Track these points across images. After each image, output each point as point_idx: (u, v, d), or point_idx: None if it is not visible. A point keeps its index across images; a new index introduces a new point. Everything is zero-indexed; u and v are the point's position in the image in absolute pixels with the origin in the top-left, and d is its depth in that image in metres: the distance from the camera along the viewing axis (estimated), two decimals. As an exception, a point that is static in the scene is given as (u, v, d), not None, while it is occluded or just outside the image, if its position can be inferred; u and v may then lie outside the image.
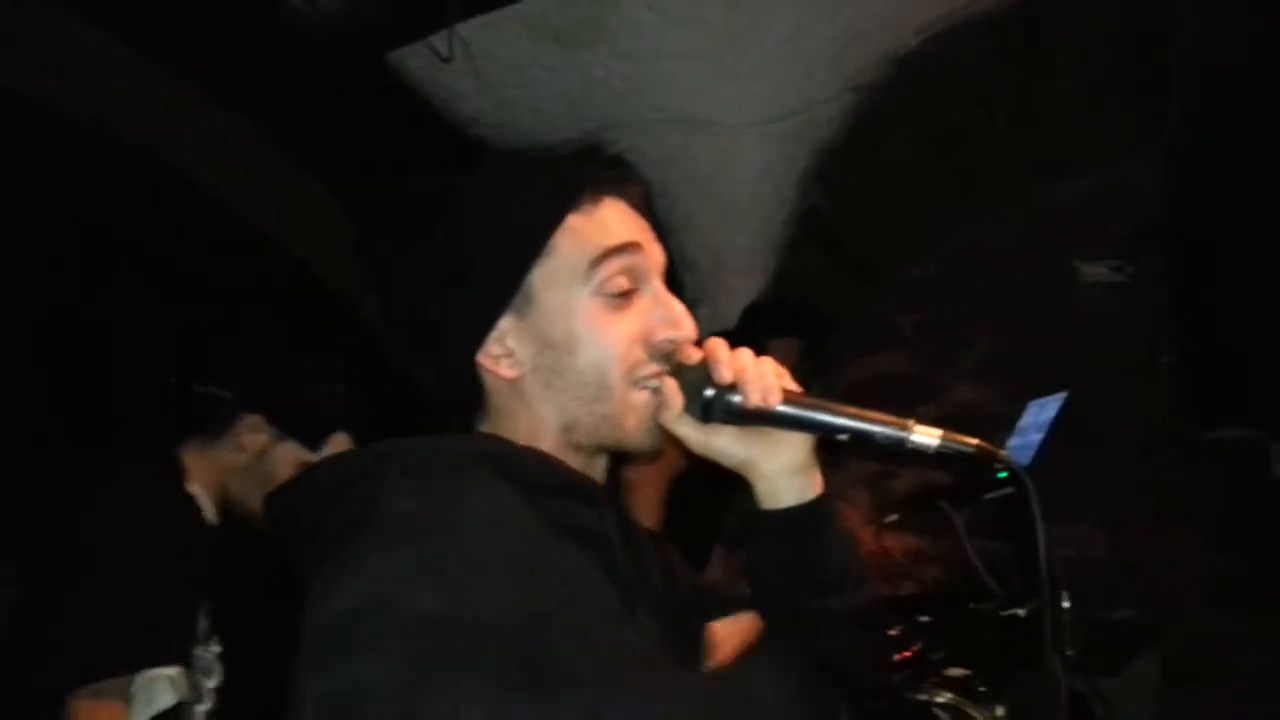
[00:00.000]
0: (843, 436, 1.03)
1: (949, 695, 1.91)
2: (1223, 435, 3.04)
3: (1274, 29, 3.01)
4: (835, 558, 1.10)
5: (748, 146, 3.43)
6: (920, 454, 1.02)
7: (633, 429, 1.08)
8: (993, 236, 3.58)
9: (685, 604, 1.16)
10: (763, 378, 1.04)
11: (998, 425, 2.70)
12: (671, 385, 1.06)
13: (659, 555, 1.18)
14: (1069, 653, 2.32)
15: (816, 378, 3.08)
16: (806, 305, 3.35)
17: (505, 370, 1.07)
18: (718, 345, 1.07)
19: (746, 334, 3.17)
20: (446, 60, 2.90)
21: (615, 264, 1.05)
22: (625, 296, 1.06)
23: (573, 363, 1.05)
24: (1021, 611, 2.24)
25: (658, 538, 1.22)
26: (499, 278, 1.05)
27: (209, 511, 1.89)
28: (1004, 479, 2.63)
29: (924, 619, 2.15)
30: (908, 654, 1.99)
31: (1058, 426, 2.62)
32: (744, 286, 3.64)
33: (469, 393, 1.10)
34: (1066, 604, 2.42)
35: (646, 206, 1.11)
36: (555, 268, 1.05)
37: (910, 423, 1.03)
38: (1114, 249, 3.20)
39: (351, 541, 0.88)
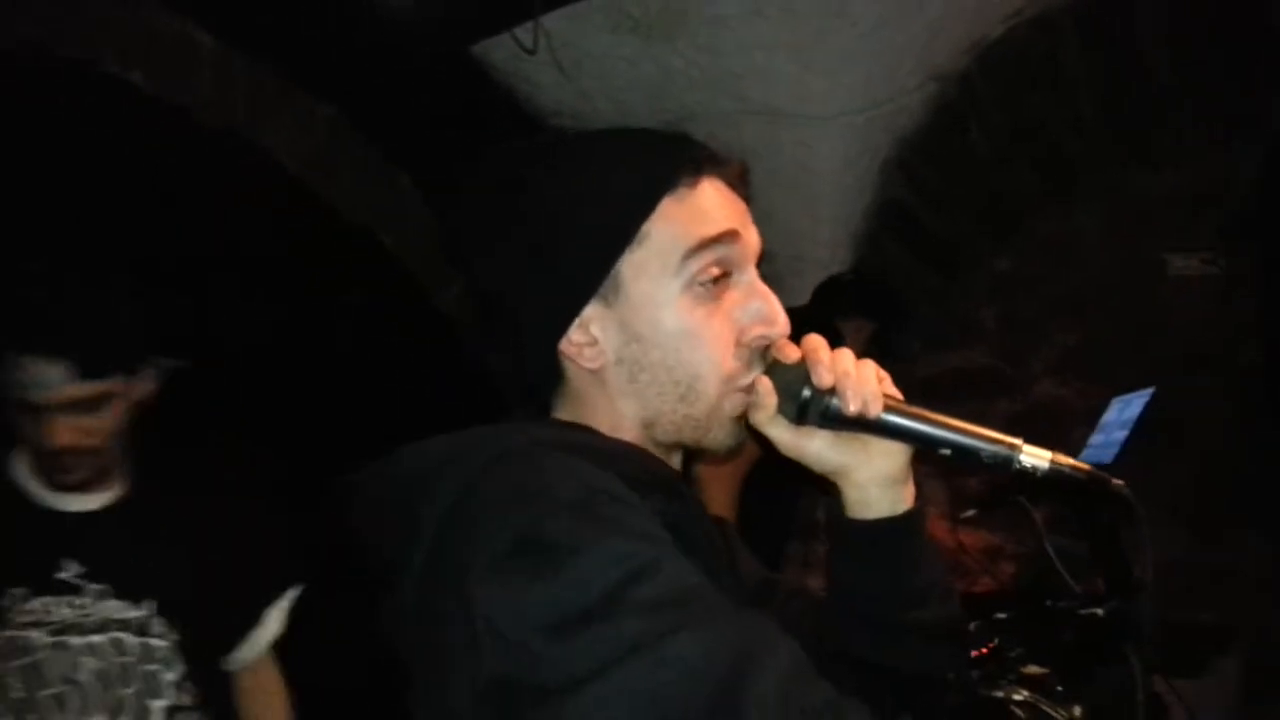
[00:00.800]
0: (945, 451, 0.99)
1: (1026, 693, 1.90)
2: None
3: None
4: (923, 573, 1.06)
5: (830, 137, 3.42)
6: (1027, 476, 0.97)
7: (718, 432, 1.04)
8: (1077, 229, 3.52)
9: (752, 599, 1.12)
10: (865, 383, 0.99)
11: (1079, 422, 2.67)
12: (766, 385, 1.01)
13: (729, 551, 1.14)
14: (1149, 653, 2.29)
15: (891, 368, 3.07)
16: (882, 286, 3.30)
17: (588, 360, 1.02)
18: (818, 345, 1.02)
19: (819, 312, 3.16)
20: (530, 52, 2.95)
21: (711, 255, 0.99)
22: (718, 284, 1.00)
23: (662, 358, 1.01)
24: (1101, 610, 2.21)
25: (729, 533, 1.20)
26: (586, 264, 1.00)
27: None
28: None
29: (1000, 616, 2.14)
30: (984, 650, 1.99)
31: (1142, 425, 2.57)
32: (823, 279, 3.64)
33: (548, 379, 1.06)
34: (1147, 604, 2.38)
35: (745, 186, 1.06)
36: (647, 256, 0.99)
37: (1019, 442, 0.98)
38: (1203, 242, 3.13)
39: (485, 536, 0.84)
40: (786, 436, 1.03)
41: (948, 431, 0.99)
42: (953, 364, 3.64)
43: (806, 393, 1.00)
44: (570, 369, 1.04)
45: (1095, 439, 2.73)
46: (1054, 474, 0.96)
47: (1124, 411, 2.67)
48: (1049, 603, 2.38)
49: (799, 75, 3.27)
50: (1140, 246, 3.39)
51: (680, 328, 1.00)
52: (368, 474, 0.99)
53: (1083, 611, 2.23)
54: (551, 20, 3.00)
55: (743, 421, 1.05)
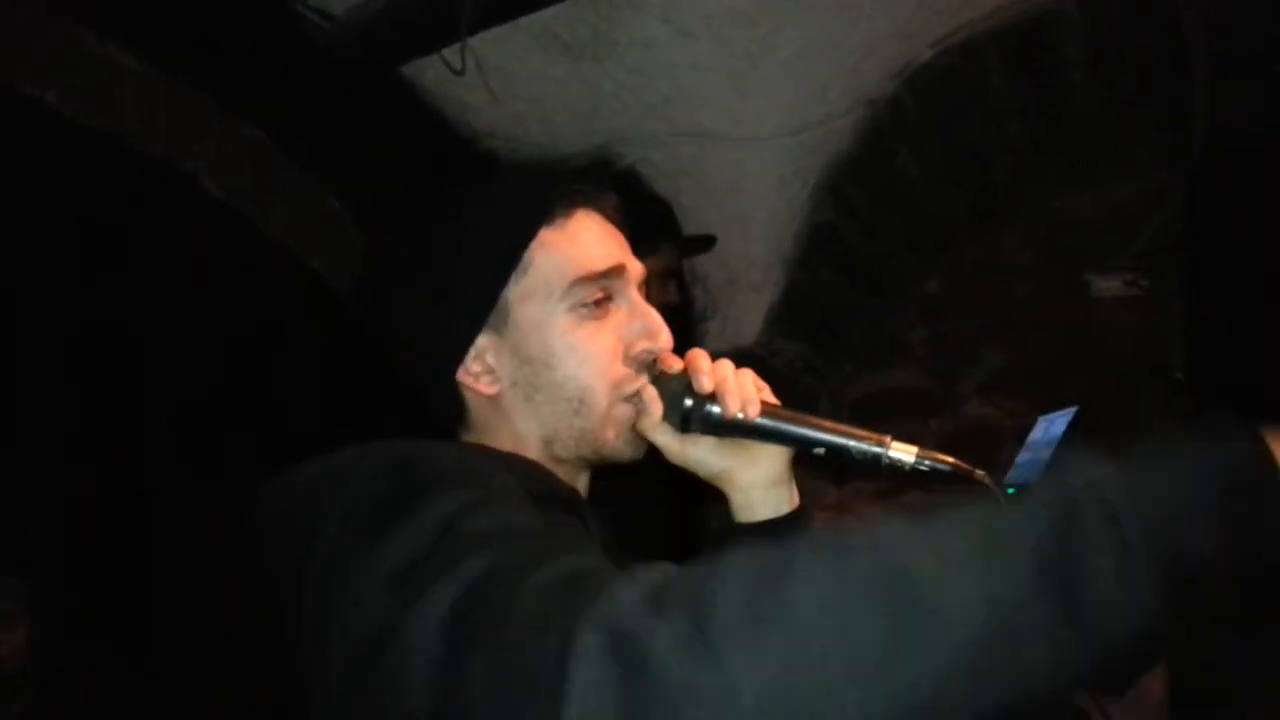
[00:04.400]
0: (819, 450, 1.04)
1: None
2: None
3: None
4: None
5: (761, 160, 3.44)
6: (897, 470, 1.02)
7: (612, 440, 1.08)
8: (1006, 251, 3.56)
9: None
10: (742, 389, 1.05)
11: (1009, 440, 2.68)
12: (651, 393, 1.06)
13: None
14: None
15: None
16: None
17: (485, 387, 1.07)
18: (699, 355, 1.08)
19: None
20: (459, 73, 2.93)
21: (595, 285, 1.05)
22: (600, 306, 1.06)
23: (551, 377, 1.05)
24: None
25: (622, 557, 1.19)
26: (474, 295, 1.05)
27: None
28: (1013, 495, 2.60)
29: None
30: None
31: (1067, 442, 2.58)
32: (756, 300, 3.64)
33: (451, 410, 1.10)
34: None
35: (620, 216, 1.11)
36: (531, 283, 1.05)
37: (887, 439, 1.03)
38: (1128, 263, 3.18)
39: (370, 513, 0.85)
40: (672, 443, 1.07)
41: (820, 432, 1.04)
42: (884, 385, 3.65)
43: (689, 400, 1.05)
44: (470, 398, 1.09)
45: (1022, 457, 2.74)
46: (922, 467, 1.01)
47: (1049, 430, 2.68)
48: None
49: (729, 98, 3.29)
50: (1067, 268, 3.43)
51: (566, 345, 1.04)
52: (268, 490, 1.01)
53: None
54: (480, 42, 2.98)
55: (635, 432, 1.09)
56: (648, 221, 2.86)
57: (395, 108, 3.21)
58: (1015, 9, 3.25)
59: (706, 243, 3.28)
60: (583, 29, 3.06)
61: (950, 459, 1.03)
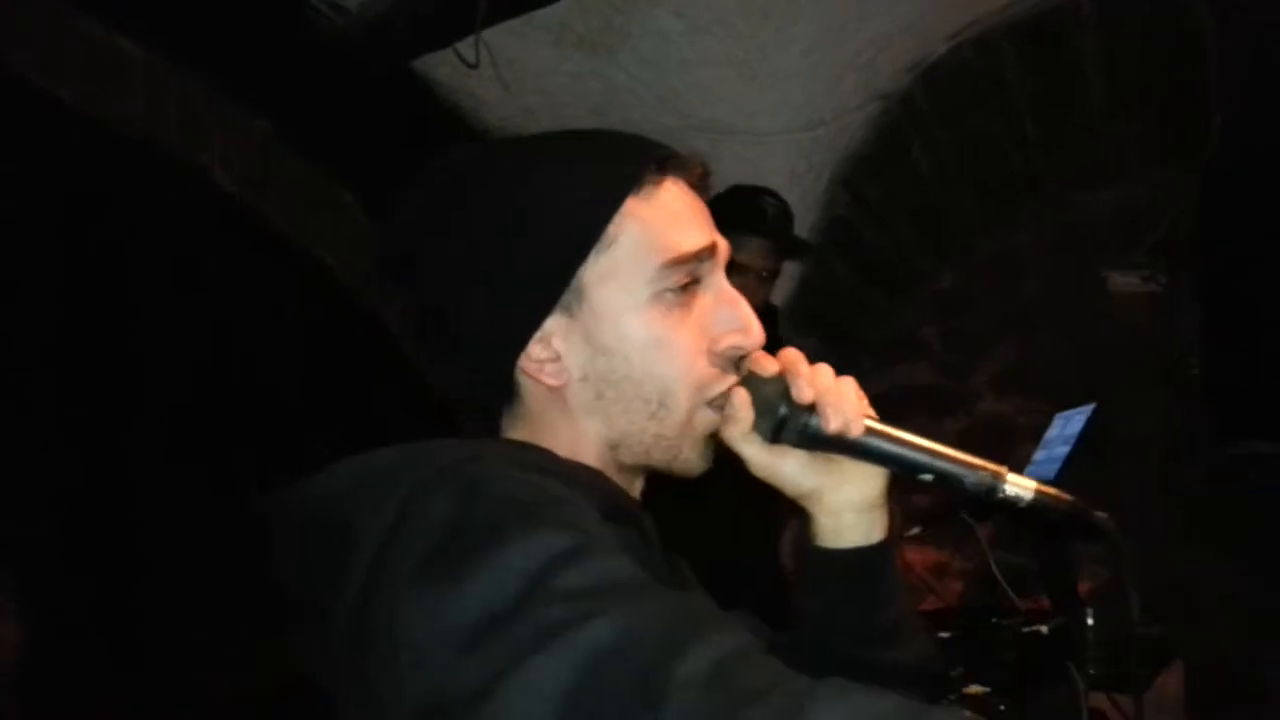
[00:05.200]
0: (927, 477, 0.93)
1: (968, 714, 1.88)
2: (1250, 449, 2.99)
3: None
4: (895, 606, 1.00)
5: (774, 155, 3.42)
6: (1011, 506, 0.92)
7: (689, 452, 0.96)
8: (1021, 246, 3.55)
9: None
10: (846, 401, 0.93)
11: (1024, 438, 2.68)
12: (743, 398, 0.94)
13: (684, 588, 1.07)
14: (1092, 671, 2.29)
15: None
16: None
17: (550, 377, 0.94)
18: (797, 358, 0.95)
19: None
20: (473, 67, 2.91)
21: (686, 268, 0.92)
22: (686, 290, 0.93)
23: (629, 373, 0.93)
24: (1044, 628, 2.21)
25: (683, 569, 1.11)
26: (545, 272, 0.91)
27: None
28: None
29: (943, 635, 2.12)
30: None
31: (1084, 439, 2.58)
32: (771, 295, 3.63)
33: (500, 398, 0.98)
34: (1090, 620, 2.38)
35: (706, 189, 0.98)
36: (613, 261, 0.91)
37: (1004, 470, 0.93)
38: (1144, 259, 3.17)
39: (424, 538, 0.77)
40: (760, 455, 0.95)
41: (930, 457, 0.93)
42: (897, 381, 3.64)
43: (784, 409, 0.93)
44: (527, 387, 0.96)
45: (1039, 455, 2.73)
46: (1037, 504, 0.92)
47: (1066, 427, 2.68)
48: (993, 620, 2.37)
49: (742, 92, 3.27)
50: (1081, 264, 3.42)
51: (650, 337, 0.92)
52: (298, 490, 0.90)
53: (1026, 629, 2.22)
54: (494, 35, 2.96)
55: (714, 440, 0.97)
56: (750, 210, 2.67)
57: (408, 101, 3.20)
58: (1030, 4, 3.24)
59: (806, 248, 3.06)
60: (596, 22, 3.04)
61: (1067, 497, 0.93)
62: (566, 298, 0.92)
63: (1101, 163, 3.45)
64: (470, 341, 0.96)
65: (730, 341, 0.94)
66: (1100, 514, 0.94)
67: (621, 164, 0.93)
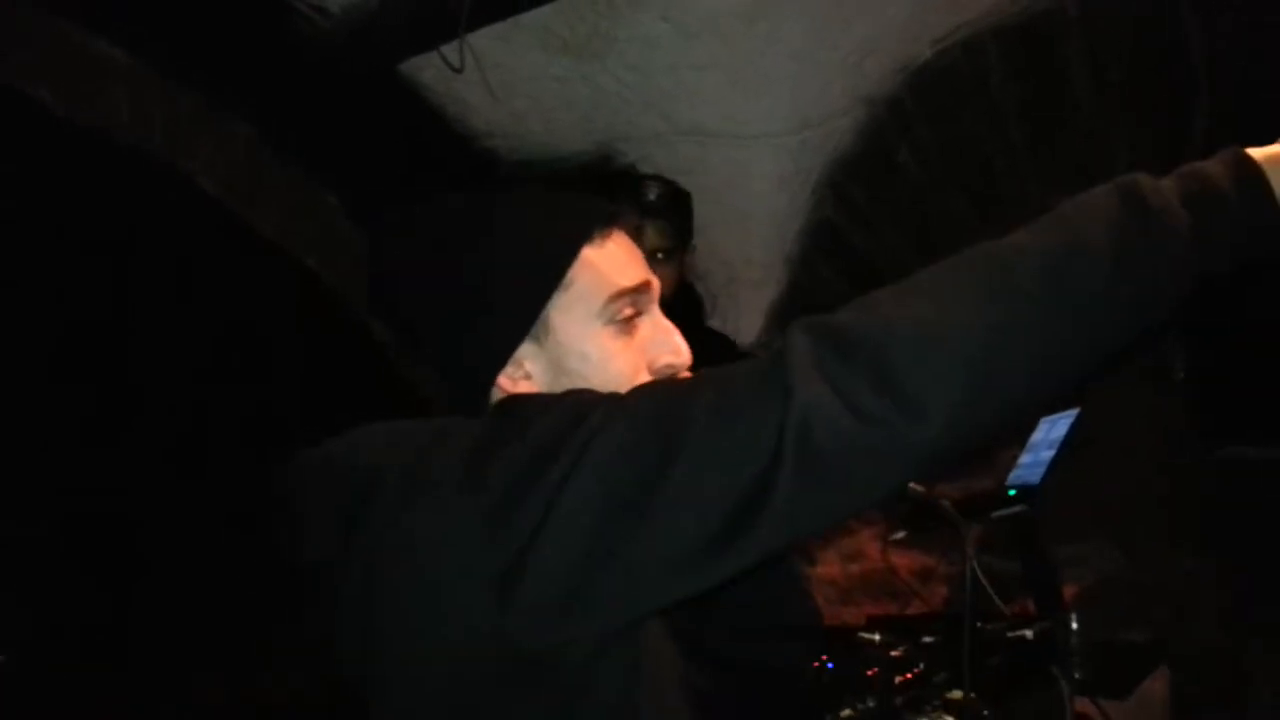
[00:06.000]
0: None
1: (951, 719, 1.88)
2: (1237, 452, 2.99)
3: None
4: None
5: (762, 158, 3.42)
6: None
7: None
8: (1006, 250, 3.54)
9: None
10: None
11: (1008, 442, 2.67)
12: None
13: None
14: (1077, 675, 2.29)
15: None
16: None
17: (524, 388, 1.12)
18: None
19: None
20: (458, 71, 2.91)
21: (628, 300, 1.12)
22: (630, 321, 1.13)
23: (585, 385, 1.10)
24: (1029, 633, 2.21)
25: None
26: (519, 308, 1.11)
27: None
28: (1012, 497, 2.60)
29: (928, 639, 2.12)
30: (908, 676, 1.96)
31: (1070, 443, 2.58)
32: (756, 298, 3.63)
33: (477, 403, 1.15)
34: (1075, 625, 2.38)
35: (640, 237, 1.19)
36: (572, 299, 1.11)
37: None
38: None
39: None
40: None
41: None
42: (886, 385, 3.64)
43: None
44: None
45: (1024, 459, 2.74)
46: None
47: (1051, 431, 2.68)
48: (978, 625, 2.37)
49: (729, 96, 3.27)
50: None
51: (601, 357, 1.11)
52: (308, 454, 1.09)
53: (1010, 634, 2.22)
54: (480, 39, 2.96)
55: None
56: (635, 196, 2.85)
57: (393, 105, 3.19)
58: (1015, 7, 3.23)
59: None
60: (582, 27, 3.04)
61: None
62: (535, 329, 1.11)
63: (1088, 166, 3.45)
64: (453, 365, 1.14)
65: (664, 361, 1.14)
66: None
67: (578, 219, 1.13)
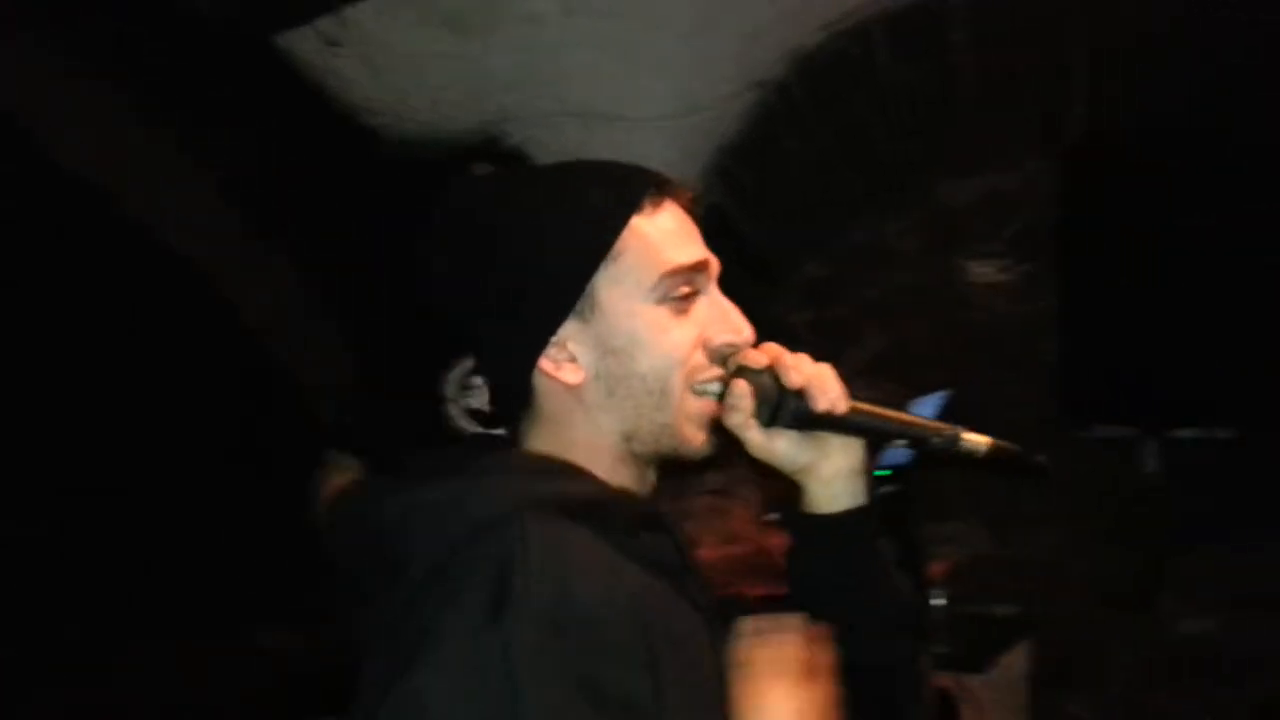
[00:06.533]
0: (901, 442, 1.11)
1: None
2: (1100, 433, 3.08)
3: (1175, 36, 3.05)
4: (888, 562, 1.14)
5: (649, 141, 3.40)
6: (970, 456, 1.09)
7: (690, 436, 1.08)
8: (889, 235, 3.59)
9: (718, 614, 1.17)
10: (829, 383, 1.09)
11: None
12: (743, 388, 1.07)
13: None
14: (941, 649, 2.33)
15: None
16: None
17: (568, 376, 1.05)
18: (781, 351, 1.11)
19: None
20: (334, 45, 2.84)
21: (683, 279, 1.06)
22: (686, 299, 1.06)
23: (634, 368, 1.05)
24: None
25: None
26: (564, 282, 1.03)
27: None
28: (887, 477, 2.63)
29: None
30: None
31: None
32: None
33: (522, 396, 1.08)
34: (941, 601, 2.43)
35: (698, 210, 1.14)
36: (620, 271, 1.04)
37: (959, 429, 1.10)
38: (1004, 249, 3.23)
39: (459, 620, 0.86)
40: (759, 439, 1.09)
41: (901, 425, 1.11)
42: (769, 369, 3.66)
43: (778, 395, 1.08)
44: (546, 388, 1.07)
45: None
46: (993, 452, 1.09)
47: (920, 413, 2.73)
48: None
49: (617, 77, 3.25)
50: (947, 253, 3.48)
51: (651, 336, 1.04)
52: (348, 510, 1.04)
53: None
54: (359, 13, 2.89)
55: (713, 427, 1.10)
56: None
57: (268, 78, 3.10)
58: (902, -6, 3.27)
59: None
60: (467, 2, 2.99)
61: (1015, 447, 1.11)
62: (581, 304, 1.04)
63: (971, 153, 3.51)
64: (492, 347, 1.08)
65: (724, 339, 1.08)
66: (1040, 458, 1.14)
67: (627, 188, 1.06)
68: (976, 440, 1.09)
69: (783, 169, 3.50)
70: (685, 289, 1.06)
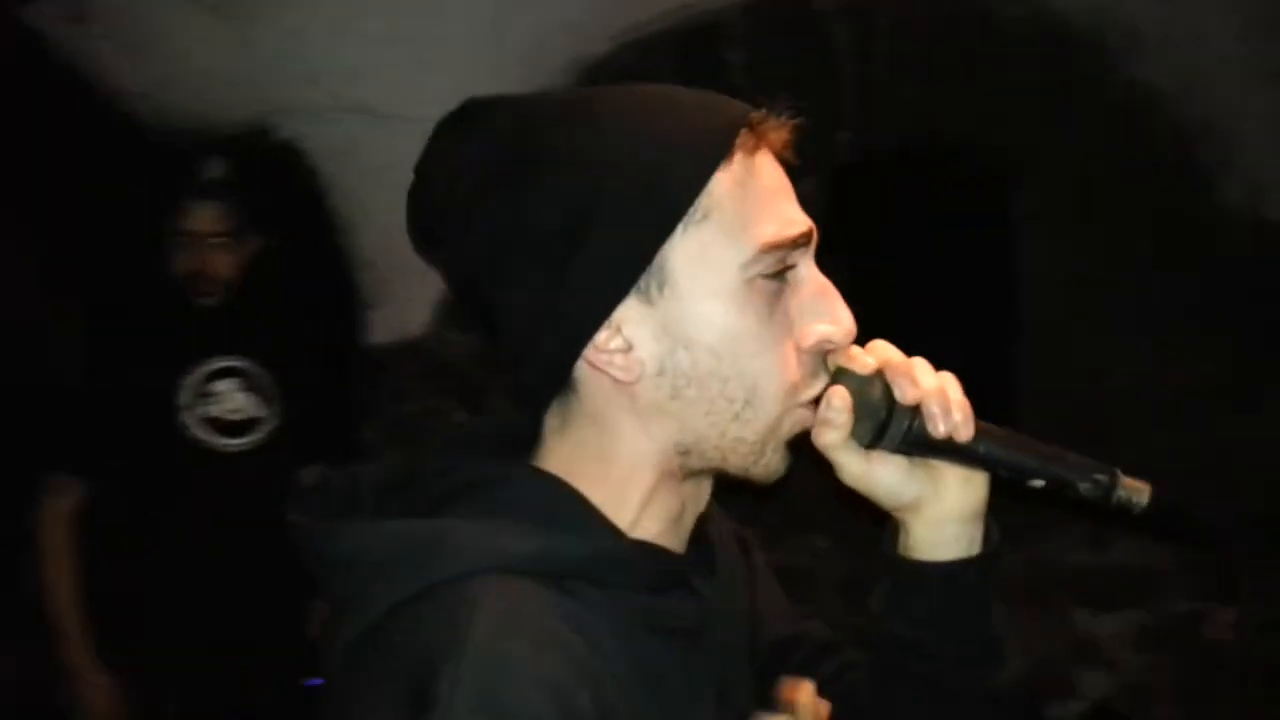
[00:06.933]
0: (1038, 483, 0.87)
1: None
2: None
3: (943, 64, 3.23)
4: (994, 626, 0.93)
5: (430, 144, 3.33)
6: (1125, 509, 0.86)
7: (771, 458, 0.86)
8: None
9: (766, 661, 1.00)
10: (954, 401, 0.85)
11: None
12: (844, 399, 0.84)
13: (750, 600, 1.01)
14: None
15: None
16: None
17: (620, 371, 0.81)
18: (894, 353, 0.87)
19: None
20: (79, 22, 2.63)
21: (783, 254, 0.82)
22: (781, 278, 0.83)
23: (715, 368, 0.81)
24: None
25: (757, 578, 1.04)
26: (625, 247, 0.79)
27: None
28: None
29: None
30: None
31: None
32: (426, 290, 3.52)
33: (553, 390, 0.85)
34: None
35: (790, 157, 0.87)
36: (702, 240, 0.80)
37: (1117, 472, 0.87)
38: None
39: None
40: (856, 462, 0.86)
41: (1043, 460, 0.87)
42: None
43: (886, 411, 0.85)
44: (588, 380, 0.84)
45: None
46: (1153, 507, 0.86)
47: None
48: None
49: (396, 76, 3.17)
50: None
51: (740, 329, 0.81)
52: (313, 531, 0.83)
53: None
54: (112, -10, 2.70)
55: (793, 444, 0.88)
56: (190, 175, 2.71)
57: (18, 53, 2.85)
58: (686, 13, 3.33)
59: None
60: (229, -16, 2.84)
61: (1179, 501, 0.88)
62: (645, 279, 0.80)
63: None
64: (523, 325, 0.82)
65: (820, 335, 0.84)
66: (1206, 515, 0.87)
67: (714, 127, 0.81)
68: (1135, 489, 0.86)
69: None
70: (780, 265, 0.82)
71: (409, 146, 3.25)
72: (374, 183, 3.36)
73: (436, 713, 0.69)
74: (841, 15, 3.23)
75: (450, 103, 3.38)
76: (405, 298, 3.50)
